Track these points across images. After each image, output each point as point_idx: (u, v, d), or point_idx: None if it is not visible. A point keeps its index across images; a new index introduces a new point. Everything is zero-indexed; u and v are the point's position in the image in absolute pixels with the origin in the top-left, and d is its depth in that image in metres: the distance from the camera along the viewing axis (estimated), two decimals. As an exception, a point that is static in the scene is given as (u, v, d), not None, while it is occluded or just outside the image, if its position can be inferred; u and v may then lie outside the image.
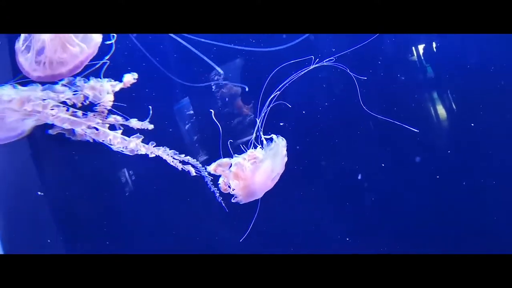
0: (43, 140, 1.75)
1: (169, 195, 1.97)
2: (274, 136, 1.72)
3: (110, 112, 1.58)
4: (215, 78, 2.45)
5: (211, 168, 1.63)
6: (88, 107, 1.59)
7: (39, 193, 1.84)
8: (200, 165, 1.68)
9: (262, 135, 1.71)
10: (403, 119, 1.92)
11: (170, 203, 1.98)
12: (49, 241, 1.89)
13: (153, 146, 1.54)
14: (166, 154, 1.58)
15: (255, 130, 1.72)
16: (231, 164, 1.64)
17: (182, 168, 1.61)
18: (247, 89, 1.82)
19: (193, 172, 1.62)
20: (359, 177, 2.02)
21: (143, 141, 1.59)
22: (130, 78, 1.58)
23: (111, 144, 1.50)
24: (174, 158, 1.59)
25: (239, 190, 1.62)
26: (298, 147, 1.92)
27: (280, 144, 1.71)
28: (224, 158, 1.65)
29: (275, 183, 1.74)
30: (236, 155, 1.67)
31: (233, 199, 1.65)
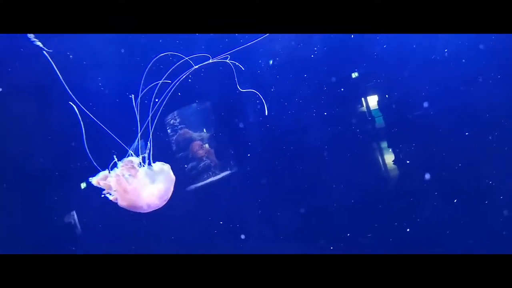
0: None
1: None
2: (159, 163, 1.59)
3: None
4: (171, 122, 2.38)
5: (94, 182, 1.52)
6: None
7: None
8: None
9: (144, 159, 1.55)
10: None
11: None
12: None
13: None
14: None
15: (138, 140, 1.57)
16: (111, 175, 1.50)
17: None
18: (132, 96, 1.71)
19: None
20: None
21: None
22: None
23: None
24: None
25: (120, 197, 1.50)
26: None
27: (164, 168, 1.58)
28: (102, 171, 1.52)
29: (164, 202, 1.55)
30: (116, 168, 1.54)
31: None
